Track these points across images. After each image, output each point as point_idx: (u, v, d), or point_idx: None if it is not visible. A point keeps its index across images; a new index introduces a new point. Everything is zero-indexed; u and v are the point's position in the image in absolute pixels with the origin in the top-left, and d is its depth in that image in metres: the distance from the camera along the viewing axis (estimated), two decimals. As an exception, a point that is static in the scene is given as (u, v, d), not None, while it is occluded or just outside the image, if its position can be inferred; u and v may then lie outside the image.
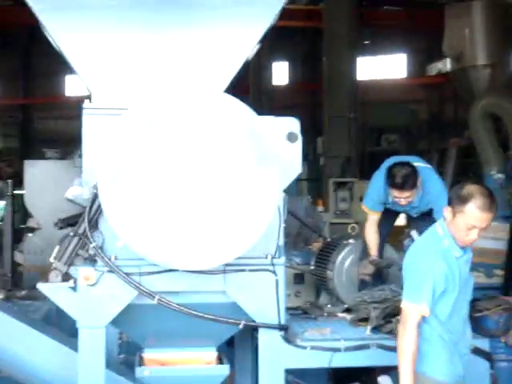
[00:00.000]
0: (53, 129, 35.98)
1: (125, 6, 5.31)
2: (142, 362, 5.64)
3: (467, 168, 13.92)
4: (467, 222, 4.33)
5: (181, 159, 4.69)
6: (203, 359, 5.74)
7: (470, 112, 10.38)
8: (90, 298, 5.07)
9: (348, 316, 6.43)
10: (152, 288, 5.01)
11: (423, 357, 4.59)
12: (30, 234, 12.54)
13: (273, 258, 5.25)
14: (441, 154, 16.04)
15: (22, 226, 16.93)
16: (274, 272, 5.19)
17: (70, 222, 13.42)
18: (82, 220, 5.23)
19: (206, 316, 5.09)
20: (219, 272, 5.03)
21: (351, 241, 6.86)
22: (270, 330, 5.31)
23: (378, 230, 6.85)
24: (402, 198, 6.40)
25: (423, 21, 24.62)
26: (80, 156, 13.43)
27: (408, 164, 6.34)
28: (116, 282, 5.06)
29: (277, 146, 5.03)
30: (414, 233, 6.37)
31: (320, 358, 5.47)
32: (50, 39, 5.45)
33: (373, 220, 6.79)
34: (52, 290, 5.04)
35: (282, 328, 5.18)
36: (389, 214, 7.05)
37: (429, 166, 6.69)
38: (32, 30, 28.20)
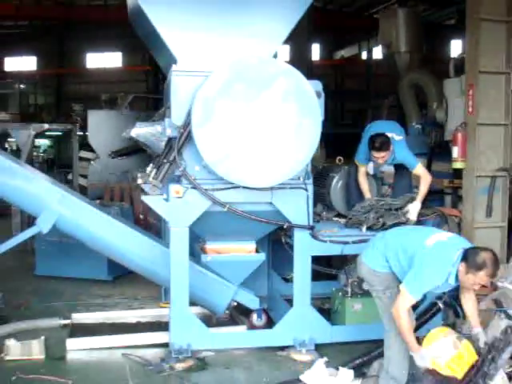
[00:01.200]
0: (77, 90, 37.07)
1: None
2: (204, 251, 5.93)
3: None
4: (476, 282, 4.18)
5: (252, 107, 5.02)
6: (246, 249, 6.05)
7: (399, 83, 10.86)
8: (178, 206, 5.39)
9: (340, 220, 6.74)
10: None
11: None
12: (92, 162, 12.33)
13: (304, 179, 5.40)
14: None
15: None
16: (305, 189, 5.56)
17: (120, 153, 13.09)
18: (171, 150, 5.42)
19: (260, 219, 5.49)
20: (269, 189, 5.31)
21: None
22: (302, 229, 5.59)
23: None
24: (379, 157, 6.49)
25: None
26: (126, 107, 12.92)
27: (383, 134, 6.44)
28: (196, 195, 5.36)
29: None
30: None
31: (335, 248, 5.81)
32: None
33: (362, 171, 6.84)
34: (152, 200, 5.05)
35: (311, 228, 5.18)
36: None
37: (400, 137, 6.67)
38: (65, 21, 28.45)
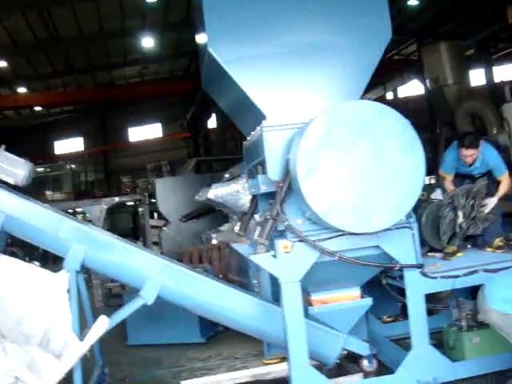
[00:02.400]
0: (123, 164, 38.65)
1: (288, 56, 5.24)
2: (309, 303, 5.60)
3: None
4: None
5: (355, 151, 4.73)
6: (352, 295, 5.71)
7: (455, 113, 10.36)
8: (288, 261, 5.09)
9: (435, 254, 6.34)
10: (326, 249, 5.11)
11: None
12: (164, 228, 12.21)
13: (408, 218, 5.07)
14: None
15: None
16: (410, 228, 4.88)
17: (190, 216, 12.92)
18: (273, 206, 5.06)
19: (372, 263, 5.22)
20: (375, 232, 4.93)
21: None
22: (413, 269, 5.21)
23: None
24: (467, 155, 6.48)
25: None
26: (191, 171, 12.43)
27: (472, 133, 5.92)
28: (304, 248, 5.07)
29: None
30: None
31: (446, 284, 5.41)
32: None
33: (449, 180, 6.87)
34: (260, 258, 4.53)
35: (420, 266, 4.61)
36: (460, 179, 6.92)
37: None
38: (106, 101, 29.39)
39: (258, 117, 5.18)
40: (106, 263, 5.57)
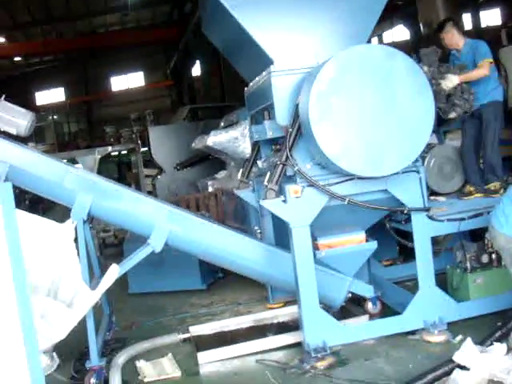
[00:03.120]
0: (106, 113, 38.22)
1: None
2: (316, 247, 5.53)
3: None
4: None
5: (366, 95, 4.68)
6: (357, 239, 5.71)
7: None
8: (298, 206, 5.08)
9: (438, 198, 6.38)
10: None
11: None
12: (158, 177, 12.16)
13: (415, 162, 5.12)
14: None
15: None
16: (417, 171, 4.94)
17: (184, 164, 12.87)
18: (282, 152, 5.00)
19: (381, 207, 5.23)
20: (383, 176, 4.94)
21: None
22: (420, 212, 5.30)
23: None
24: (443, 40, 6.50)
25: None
26: (184, 119, 12.42)
27: None
28: (314, 192, 5.06)
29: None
30: None
31: (452, 226, 5.47)
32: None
33: None
34: (271, 204, 4.49)
35: (427, 209, 4.67)
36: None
37: None
38: (88, 50, 29.09)
39: (263, 61, 5.11)
40: (113, 212, 5.56)
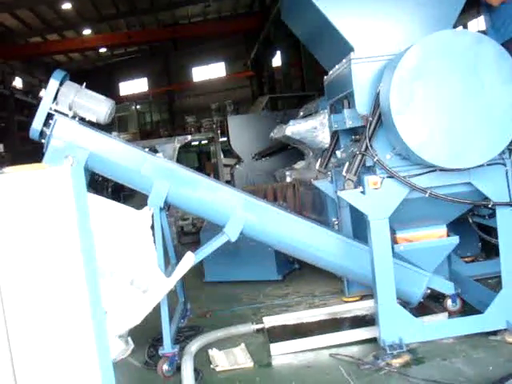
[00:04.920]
0: (187, 104, 35.69)
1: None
2: (395, 241, 5.41)
3: None
4: None
5: (451, 83, 4.47)
6: (438, 234, 5.49)
7: None
8: (377, 198, 4.94)
9: None
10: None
11: None
12: (236, 166, 12.16)
13: (501, 154, 4.87)
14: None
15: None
16: (504, 164, 4.96)
17: (263, 154, 12.82)
18: (362, 142, 4.86)
19: (465, 201, 4.98)
20: (466, 168, 4.71)
21: None
22: (506, 207, 5.03)
23: None
24: None
25: None
26: (263, 109, 12.29)
27: None
28: (393, 184, 4.89)
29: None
30: None
31: None
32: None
33: None
34: (349, 195, 4.35)
35: None
36: None
37: None
38: (170, 41, 29.76)
39: (343, 49, 4.96)
40: (189, 200, 5.56)
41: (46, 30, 29.54)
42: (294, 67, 25.71)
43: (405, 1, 4.85)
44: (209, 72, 39.02)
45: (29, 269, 2.17)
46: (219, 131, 13.46)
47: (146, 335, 5.86)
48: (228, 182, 13.00)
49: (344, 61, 5.05)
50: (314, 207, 8.75)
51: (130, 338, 5.89)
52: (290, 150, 10.68)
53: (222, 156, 12.69)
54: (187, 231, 12.35)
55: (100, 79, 38.51)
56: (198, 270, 8.55)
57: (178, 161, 28.59)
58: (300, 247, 5.58)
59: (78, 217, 2.19)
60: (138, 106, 37.38)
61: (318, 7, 4.82)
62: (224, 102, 30.41)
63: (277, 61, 28.56)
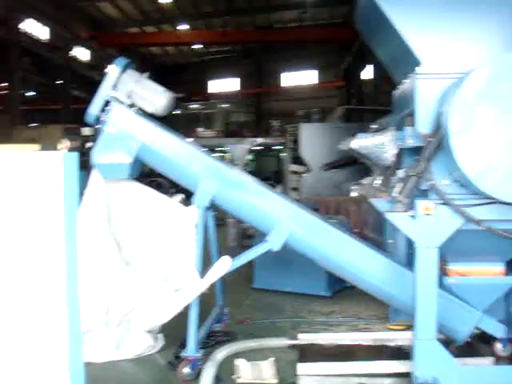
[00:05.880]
0: (274, 107, 35.58)
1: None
2: (445, 273, 5.03)
3: None
4: None
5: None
6: (494, 271, 5.05)
7: None
8: (427, 224, 4.55)
9: None
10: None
11: None
12: (304, 175, 11.94)
13: None
14: None
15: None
16: None
17: (332, 165, 12.53)
18: (419, 163, 4.53)
19: None
20: None
21: None
22: None
23: None
24: None
25: None
26: (338, 120, 11.94)
27: None
28: (447, 211, 4.50)
29: None
30: None
31: None
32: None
33: None
34: (397, 217, 4.11)
35: None
36: None
37: None
38: (263, 43, 30.07)
39: (411, 63, 4.63)
40: (235, 202, 5.39)
41: (143, 21, 30.24)
42: (385, 81, 25.17)
43: (479, 16, 4.48)
44: (299, 78, 38.93)
45: (7, 250, 2.03)
46: (290, 137, 13.24)
47: (179, 334, 5.71)
48: (294, 190, 12.78)
49: (410, 76, 4.74)
50: (375, 226, 8.40)
51: (160, 335, 5.78)
52: (359, 165, 10.34)
53: (289, 163, 12.47)
54: (250, 234, 12.19)
55: (191, 74, 39.29)
56: (248, 275, 8.40)
57: (257, 164, 28.71)
58: (342, 265, 5.29)
59: (64, 204, 2.04)
60: (225, 105, 37.78)
61: (386, 14, 4.52)
62: (311, 110, 30.21)
63: (367, 73, 28.11)
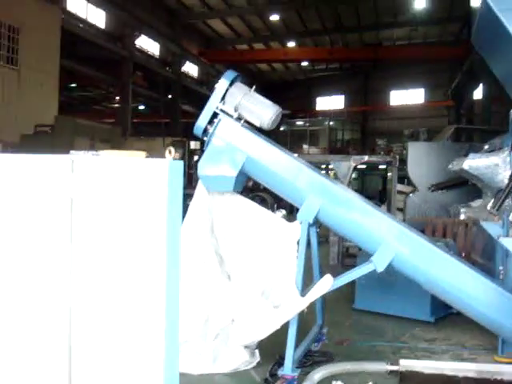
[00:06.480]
0: (380, 126, 35.61)
1: None
2: None
3: None
4: None
5: None
6: None
7: None
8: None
9: None
10: None
11: None
12: (410, 195, 11.62)
13: None
14: None
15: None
16: None
17: (440, 186, 12.10)
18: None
19: None
20: None
21: None
22: None
23: None
24: None
25: None
26: (448, 139, 11.48)
27: None
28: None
29: None
30: None
31: None
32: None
33: None
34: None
35: None
36: None
37: None
38: (371, 61, 29.76)
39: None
40: (340, 220, 5.27)
41: (252, 38, 30.72)
42: (496, 102, 24.26)
43: None
44: (406, 97, 38.22)
45: (109, 252, 2.03)
46: (397, 156, 12.93)
47: (276, 351, 5.63)
48: (399, 210, 12.44)
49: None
50: (485, 251, 8.01)
51: (257, 351, 5.71)
52: (469, 187, 9.96)
53: (395, 182, 12.15)
54: (352, 253, 11.97)
55: (299, 91, 39.48)
56: (349, 294, 8.21)
57: (363, 182, 28.31)
58: (449, 290, 5.04)
59: (167, 212, 2.01)
60: (331, 123, 37.65)
61: (506, 25, 4.30)
62: (417, 129, 29.54)
63: (478, 94, 27.16)
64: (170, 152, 2.08)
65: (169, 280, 2.02)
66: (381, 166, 23.19)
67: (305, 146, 35.62)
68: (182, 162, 2.08)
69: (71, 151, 2.06)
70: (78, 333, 2.03)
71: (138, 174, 2.00)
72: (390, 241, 5.06)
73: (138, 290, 2.02)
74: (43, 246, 2.04)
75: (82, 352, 2.03)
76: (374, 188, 26.12)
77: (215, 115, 5.34)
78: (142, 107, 34.88)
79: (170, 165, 2.01)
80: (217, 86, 5.37)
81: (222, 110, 5.32)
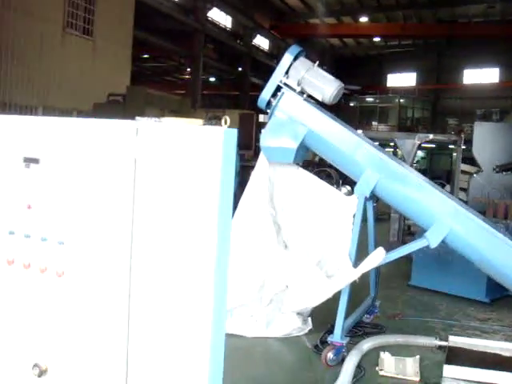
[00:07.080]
0: (452, 105, 34.03)
1: None
2: None
3: None
4: None
5: None
6: None
7: None
8: None
9: None
10: None
11: None
12: (474, 175, 11.46)
13: None
14: None
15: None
16: None
17: (505, 167, 11.93)
18: None
19: None
20: None
21: None
22: None
23: None
24: None
25: None
26: None
27: None
28: None
29: None
30: None
31: None
32: None
33: None
34: None
35: None
36: None
37: None
38: (445, 38, 28.81)
39: None
40: (396, 195, 5.31)
41: (324, 13, 30.43)
42: None
43: None
44: (480, 76, 37.14)
45: (165, 211, 2.18)
46: (463, 135, 12.68)
47: (330, 320, 5.76)
48: (463, 190, 12.28)
49: None
50: (546, 234, 7.90)
51: (309, 319, 5.89)
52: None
53: (460, 162, 11.96)
54: (413, 231, 11.91)
55: (370, 67, 38.95)
56: (407, 272, 8.27)
57: (430, 162, 27.78)
58: (504, 272, 5.05)
59: (221, 175, 2.17)
60: (401, 100, 37.06)
61: None
62: (491, 110, 28.80)
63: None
64: (225, 121, 2.25)
65: (220, 242, 2.18)
66: (450, 146, 22.75)
67: (374, 123, 35.30)
68: (236, 130, 2.25)
69: (137, 117, 2.27)
70: (136, 291, 2.21)
71: (194, 139, 2.17)
72: (444, 217, 5.07)
73: (190, 251, 2.17)
74: (108, 204, 2.23)
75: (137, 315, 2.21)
76: (441, 168, 25.65)
77: (279, 88, 5.46)
78: (212, 79, 35.24)
79: (224, 132, 2.19)
80: (281, 59, 5.50)
81: (285, 84, 5.43)
